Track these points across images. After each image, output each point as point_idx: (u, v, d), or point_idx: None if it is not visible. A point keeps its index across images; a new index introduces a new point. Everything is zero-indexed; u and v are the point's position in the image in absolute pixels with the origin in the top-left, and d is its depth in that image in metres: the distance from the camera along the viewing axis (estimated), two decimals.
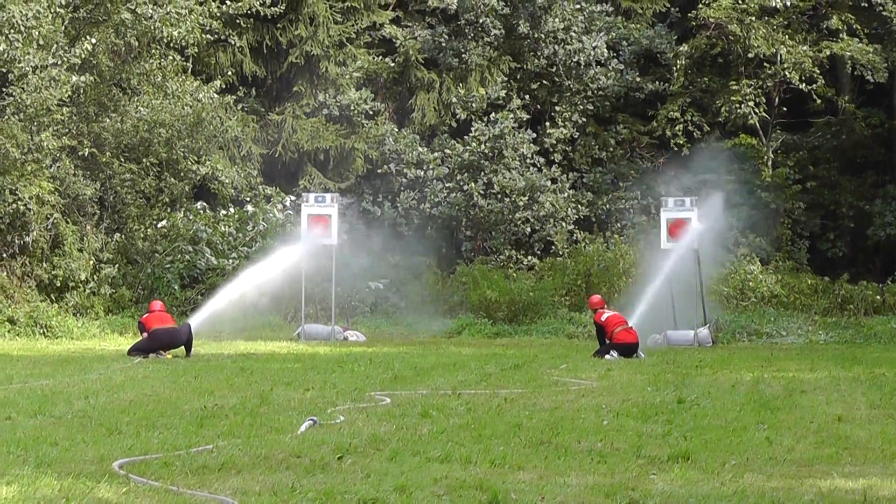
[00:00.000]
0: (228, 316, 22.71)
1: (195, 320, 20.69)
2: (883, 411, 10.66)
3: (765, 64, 31.38)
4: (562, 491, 6.76)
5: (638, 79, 33.90)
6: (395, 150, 32.47)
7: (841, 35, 31.66)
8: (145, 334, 17.96)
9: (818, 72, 31.08)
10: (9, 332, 23.23)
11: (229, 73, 31.39)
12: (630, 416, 10.17)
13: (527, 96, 33.90)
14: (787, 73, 31.05)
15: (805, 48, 31.34)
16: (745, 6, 31.15)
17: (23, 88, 25.05)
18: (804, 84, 31.11)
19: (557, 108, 33.65)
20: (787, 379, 13.99)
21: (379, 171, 32.77)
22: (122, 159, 28.22)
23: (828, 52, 31.47)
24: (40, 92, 25.17)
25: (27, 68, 25.02)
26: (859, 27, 31.55)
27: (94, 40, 26.53)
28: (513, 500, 6.48)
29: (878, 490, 6.79)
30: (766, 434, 9.02)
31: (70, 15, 26.71)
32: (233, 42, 31.64)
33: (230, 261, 26.90)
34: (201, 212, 28.39)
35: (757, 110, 31.23)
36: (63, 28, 26.24)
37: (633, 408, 10.81)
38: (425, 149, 32.57)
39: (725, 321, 23.41)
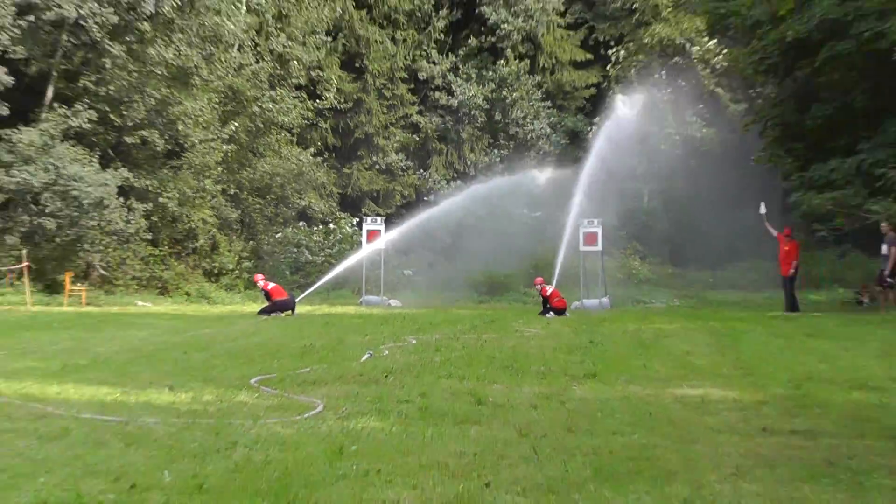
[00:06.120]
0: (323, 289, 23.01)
1: (304, 293, 21.07)
2: (714, 348, 10.62)
3: None
4: (519, 396, 6.80)
5: (567, 146, 34.07)
6: (423, 190, 33.03)
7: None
8: (271, 301, 17.58)
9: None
10: (186, 300, 23.40)
11: (318, 143, 31.60)
12: (560, 351, 10.15)
13: (498, 159, 34.04)
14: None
15: None
16: None
17: (193, 154, 25.28)
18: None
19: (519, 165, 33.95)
20: (656, 329, 13.93)
21: (409, 202, 32.96)
22: (254, 196, 28.40)
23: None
24: (204, 156, 25.41)
25: (195, 141, 25.23)
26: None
27: (236, 124, 26.77)
28: (490, 402, 6.49)
29: (711, 395, 6.83)
30: (643, 362, 9.02)
31: (221, 108, 26.93)
32: (321, 125, 31.87)
33: (320, 258, 27.06)
34: (302, 228, 28.54)
35: None
36: (217, 116, 26.44)
37: (563, 346, 10.79)
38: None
39: (619, 294, 23.40)
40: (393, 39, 33.37)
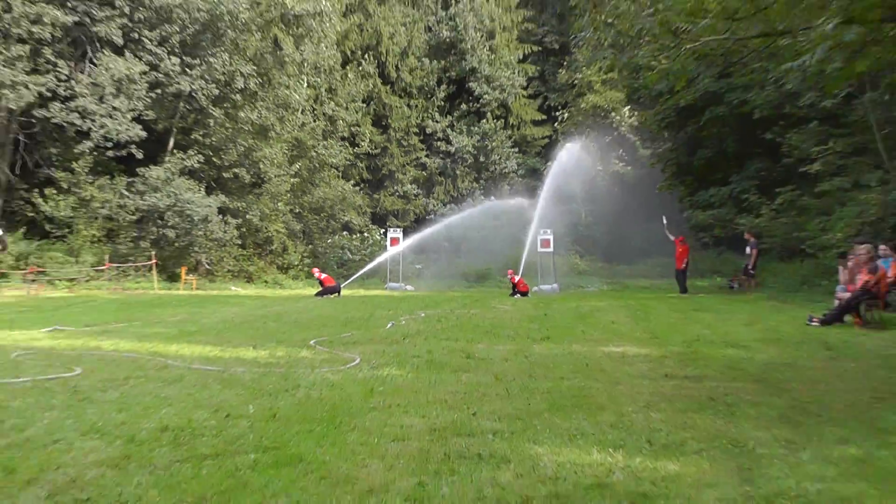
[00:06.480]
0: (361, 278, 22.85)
1: (346, 281, 20.84)
2: (631, 319, 10.60)
3: None
4: (496, 352, 6.77)
5: (528, 179, 33.94)
6: (429, 210, 32.78)
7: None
8: (323, 287, 17.43)
9: None
10: (265, 286, 23.27)
11: (357, 177, 31.46)
12: (524, 320, 10.14)
13: (481, 189, 33.92)
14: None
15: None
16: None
17: (270, 185, 25.21)
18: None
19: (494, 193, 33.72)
20: (591, 305, 13.91)
21: (419, 218, 32.80)
22: (312, 214, 28.29)
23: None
24: (277, 186, 25.32)
25: (272, 176, 25.13)
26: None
27: (299, 164, 26.67)
28: (475, 356, 6.46)
29: (629, 352, 6.81)
30: (582, 328, 9.01)
31: (290, 153, 26.85)
32: (358, 164, 31.75)
33: (357, 256, 26.96)
34: (345, 236, 28.43)
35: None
36: (286, 159, 26.37)
37: (525, 316, 10.82)
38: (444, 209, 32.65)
39: (565, 282, 23.19)
40: (408, 105, 33.42)
